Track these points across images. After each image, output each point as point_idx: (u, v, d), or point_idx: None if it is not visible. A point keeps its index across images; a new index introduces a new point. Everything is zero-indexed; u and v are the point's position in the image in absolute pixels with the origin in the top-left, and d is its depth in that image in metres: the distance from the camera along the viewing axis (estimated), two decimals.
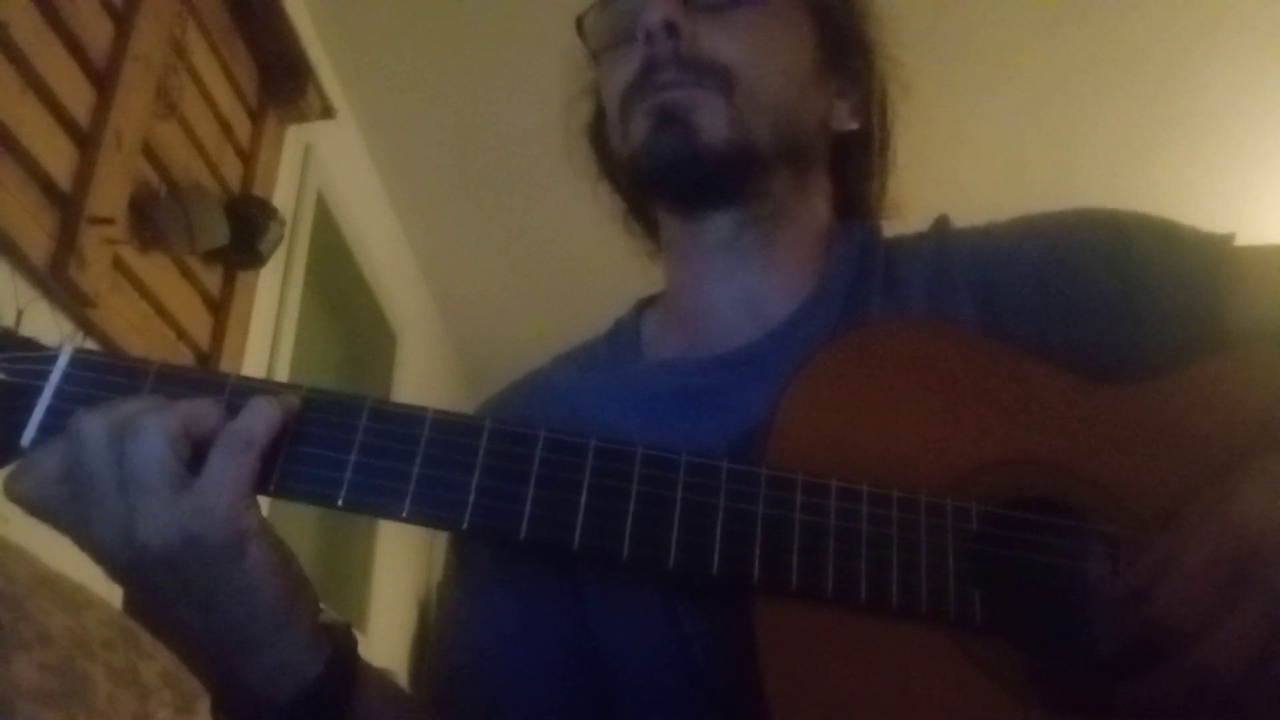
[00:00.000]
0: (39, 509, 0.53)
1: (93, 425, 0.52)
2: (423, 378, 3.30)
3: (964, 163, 2.71)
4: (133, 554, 0.51)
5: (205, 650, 0.55)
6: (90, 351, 0.57)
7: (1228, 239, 0.71)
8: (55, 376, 0.56)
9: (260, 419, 0.54)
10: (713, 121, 0.70)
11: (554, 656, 0.70)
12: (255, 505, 0.53)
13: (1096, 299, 0.68)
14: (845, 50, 0.78)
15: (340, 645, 0.57)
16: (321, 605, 0.58)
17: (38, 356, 0.57)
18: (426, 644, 0.75)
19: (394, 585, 2.85)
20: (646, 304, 0.84)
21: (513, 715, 0.69)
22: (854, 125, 0.79)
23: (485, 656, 0.71)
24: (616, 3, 0.76)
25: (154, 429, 0.51)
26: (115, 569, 0.53)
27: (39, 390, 0.55)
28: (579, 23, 0.78)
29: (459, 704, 0.70)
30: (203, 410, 0.54)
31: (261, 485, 0.55)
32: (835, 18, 0.78)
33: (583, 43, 0.80)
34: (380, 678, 0.63)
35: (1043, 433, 0.62)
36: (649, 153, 0.71)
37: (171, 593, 0.52)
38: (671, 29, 0.70)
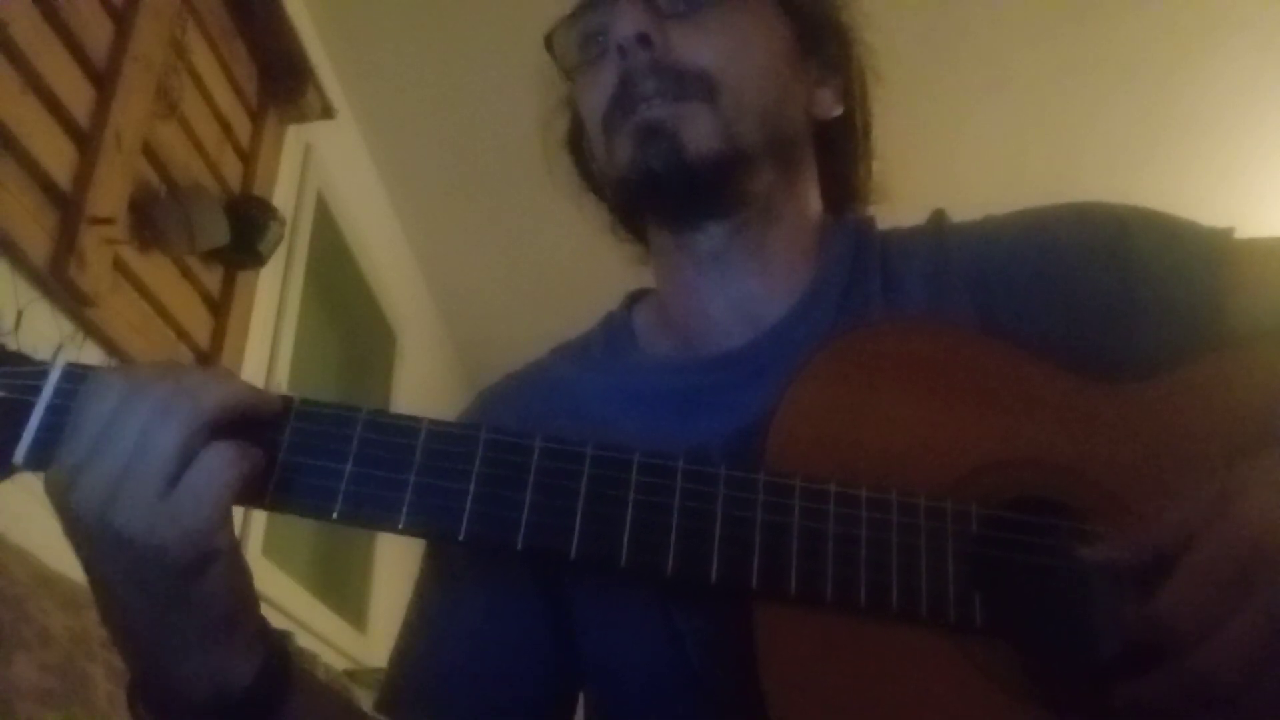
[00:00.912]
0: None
1: (143, 388, 0.51)
2: (423, 378, 3.30)
3: (964, 163, 2.71)
4: (101, 526, 0.50)
5: (137, 634, 0.54)
6: (82, 366, 0.56)
7: (1228, 232, 0.70)
8: (47, 391, 0.55)
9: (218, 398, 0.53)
10: (700, 134, 0.68)
11: (517, 662, 0.70)
12: (229, 524, 0.53)
13: (1096, 295, 0.68)
14: (820, 36, 0.77)
15: (273, 658, 0.56)
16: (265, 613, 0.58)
17: (29, 371, 0.56)
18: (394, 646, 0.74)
19: (394, 585, 2.84)
20: (637, 296, 0.84)
21: (463, 715, 0.70)
22: (838, 111, 0.78)
23: (446, 656, 0.72)
24: (584, 18, 0.74)
25: (182, 416, 0.51)
26: (77, 526, 0.52)
27: (31, 406, 0.54)
28: (548, 41, 0.77)
29: (418, 702, 0.71)
30: (240, 395, 0.54)
31: (257, 499, 0.54)
32: (804, 5, 0.76)
33: (554, 60, 0.78)
34: (324, 691, 0.62)
35: (1043, 433, 0.62)
36: (637, 169, 0.70)
37: (120, 574, 0.52)
38: (644, 39, 0.69)
